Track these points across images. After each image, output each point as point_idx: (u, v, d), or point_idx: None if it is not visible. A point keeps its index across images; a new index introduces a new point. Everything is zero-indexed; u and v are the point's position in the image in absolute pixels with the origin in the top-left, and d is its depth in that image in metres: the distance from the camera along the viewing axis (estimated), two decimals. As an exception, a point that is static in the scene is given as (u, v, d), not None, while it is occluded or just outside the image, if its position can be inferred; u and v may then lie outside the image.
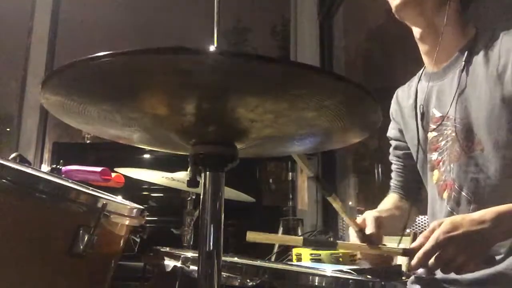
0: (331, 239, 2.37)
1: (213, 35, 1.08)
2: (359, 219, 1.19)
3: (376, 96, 0.63)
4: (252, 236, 0.87)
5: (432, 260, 0.96)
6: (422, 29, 1.21)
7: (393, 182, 1.43)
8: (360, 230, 1.13)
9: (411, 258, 0.99)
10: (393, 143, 1.43)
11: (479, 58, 1.12)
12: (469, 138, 1.11)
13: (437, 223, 0.98)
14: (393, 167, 1.44)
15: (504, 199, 1.03)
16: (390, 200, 1.40)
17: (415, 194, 1.37)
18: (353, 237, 1.17)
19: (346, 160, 3.77)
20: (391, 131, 1.43)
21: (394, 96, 1.41)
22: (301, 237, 0.97)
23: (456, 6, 1.18)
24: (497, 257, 1.06)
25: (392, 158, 1.44)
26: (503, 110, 1.05)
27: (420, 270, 1.22)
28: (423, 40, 1.23)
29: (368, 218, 1.16)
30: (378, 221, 1.16)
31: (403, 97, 1.36)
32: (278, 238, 0.95)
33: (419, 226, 2.42)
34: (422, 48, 1.25)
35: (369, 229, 1.14)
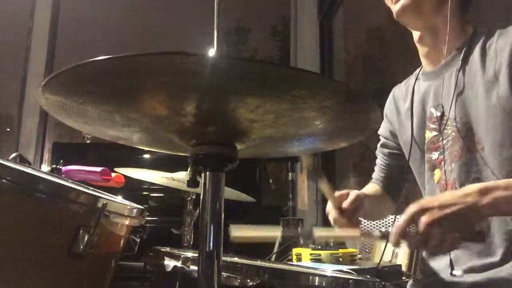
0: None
1: (213, 36, 1.08)
2: (339, 193, 1.21)
3: (375, 96, 0.64)
4: (238, 232, 0.89)
5: (409, 236, 0.93)
6: (421, 32, 1.23)
7: (375, 175, 1.45)
8: (339, 208, 1.16)
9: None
10: (382, 139, 1.44)
11: (475, 58, 1.12)
12: (470, 137, 1.11)
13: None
14: (377, 162, 1.45)
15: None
16: (373, 187, 1.43)
17: (394, 191, 1.39)
18: (329, 208, 1.20)
19: (346, 160, 3.78)
20: (382, 130, 1.43)
21: (391, 94, 1.41)
22: (279, 233, 0.99)
23: (455, 7, 1.18)
24: (494, 260, 1.06)
25: (378, 153, 1.46)
26: (499, 109, 1.05)
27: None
28: (422, 42, 1.24)
29: (351, 194, 1.19)
30: (357, 200, 1.18)
31: (400, 96, 1.36)
32: (258, 235, 0.96)
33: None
34: (421, 50, 1.26)
35: (345, 204, 1.16)
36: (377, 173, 1.45)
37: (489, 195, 0.93)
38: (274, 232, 0.99)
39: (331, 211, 1.19)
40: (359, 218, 1.22)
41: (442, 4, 1.17)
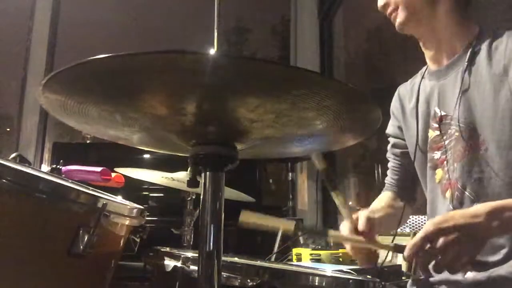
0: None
1: (213, 36, 1.08)
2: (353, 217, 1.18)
3: (375, 96, 0.64)
4: (246, 217, 0.88)
5: (423, 254, 0.95)
6: (424, 37, 1.24)
7: (388, 180, 1.43)
8: (355, 228, 1.13)
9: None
10: (391, 140, 1.43)
11: (482, 58, 1.12)
12: (473, 138, 1.11)
13: (431, 219, 0.98)
14: (390, 165, 1.43)
15: (508, 199, 1.03)
16: (384, 199, 1.40)
17: (410, 193, 1.37)
18: (344, 232, 1.17)
19: (346, 160, 3.78)
20: (390, 128, 1.42)
21: (396, 93, 1.41)
22: (293, 222, 0.98)
23: (452, 9, 1.18)
24: (496, 259, 1.06)
25: (389, 155, 1.43)
26: (506, 110, 1.05)
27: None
28: (427, 46, 1.25)
29: (361, 217, 1.16)
30: (370, 222, 1.15)
31: (405, 95, 1.36)
32: (270, 221, 0.96)
33: (419, 226, 2.42)
34: (427, 53, 1.27)
35: (361, 227, 1.14)
36: (390, 177, 1.42)
37: (499, 218, 0.95)
38: (285, 224, 0.99)
39: (345, 231, 1.15)
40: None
41: (438, 7, 1.18)
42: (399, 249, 1.00)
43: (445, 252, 0.93)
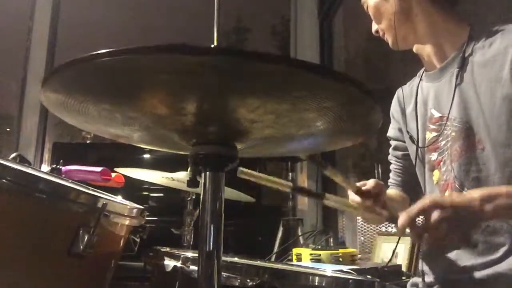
0: (331, 239, 2.38)
1: (213, 35, 1.08)
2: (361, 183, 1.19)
3: (376, 96, 0.63)
4: (244, 173, 0.89)
5: (417, 225, 0.96)
6: (417, 48, 1.26)
7: (391, 181, 1.43)
8: (358, 190, 1.14)
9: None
10: (393, 143, 1.43)
11: (476, 58, 1.12)
12: (470, 138, 1.12)
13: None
14: (392, 167, 1.44)
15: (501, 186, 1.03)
16: (392, 191, 1.41)
17: (412, 194, 1.37)
18: (352, 197, 1.18)
19: (346, 160, 3.78)
20: (391, 131, 1.43)
21: (395, 95, 1.41)
22: (290, 183, 0.99)
23: (434, 15, 1.19)
24: (496, 256, 1.06)
25: (391, 158, 1.44)
26: (502, 109, 1.06)
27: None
28: (420, 53, 1.27)
29: (369, 182, 1.17)
30: (379, 186, 1.16)
31: (405, 97, 1.37)
32: (268, 179, 0.97)
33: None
34: (422, 58, 1.28)
35: (368, 186, 1.15)
36: (393, 179, 1.43)
37: (492, 203, 0.95)
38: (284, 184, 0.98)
39: (352, 196, 1.16)
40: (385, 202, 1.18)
41: (415, 20, 1.20)
42: (392, 219, 1.00)
43: (437, 226, 0.93)
